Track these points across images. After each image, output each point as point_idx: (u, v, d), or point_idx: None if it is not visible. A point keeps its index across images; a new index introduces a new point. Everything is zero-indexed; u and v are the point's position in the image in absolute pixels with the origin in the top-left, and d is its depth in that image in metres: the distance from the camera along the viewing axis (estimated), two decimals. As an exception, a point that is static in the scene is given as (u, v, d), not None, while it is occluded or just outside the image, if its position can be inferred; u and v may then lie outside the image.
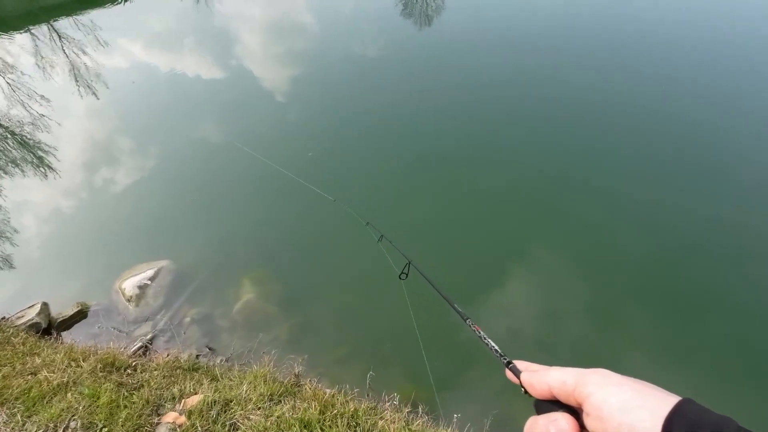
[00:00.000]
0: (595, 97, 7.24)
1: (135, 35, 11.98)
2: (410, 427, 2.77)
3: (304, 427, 2.67)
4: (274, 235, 5.02)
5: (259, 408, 2.85)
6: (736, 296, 4.19)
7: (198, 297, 4.34)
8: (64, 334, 4.02)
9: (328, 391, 3.12)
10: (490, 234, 4.98)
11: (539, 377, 0.49)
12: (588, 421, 0.43)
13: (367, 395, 3.25)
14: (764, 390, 3.54)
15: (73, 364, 3.20)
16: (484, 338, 0.78)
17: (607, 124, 6.53)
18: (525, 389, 0.52)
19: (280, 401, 2.92)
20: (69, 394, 2.92)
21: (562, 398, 0.46)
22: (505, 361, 0.60)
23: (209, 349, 3.85)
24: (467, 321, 0.93)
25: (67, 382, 3.01)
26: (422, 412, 3.09)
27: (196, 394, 3.00)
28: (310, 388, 3.06)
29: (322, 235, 4.96)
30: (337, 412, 2.79)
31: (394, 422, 2.76)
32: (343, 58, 9.64)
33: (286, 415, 2.75)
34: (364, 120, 7.19)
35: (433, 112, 7.14)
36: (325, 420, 2.73)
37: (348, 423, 2.73)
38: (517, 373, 0.55)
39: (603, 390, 0.42)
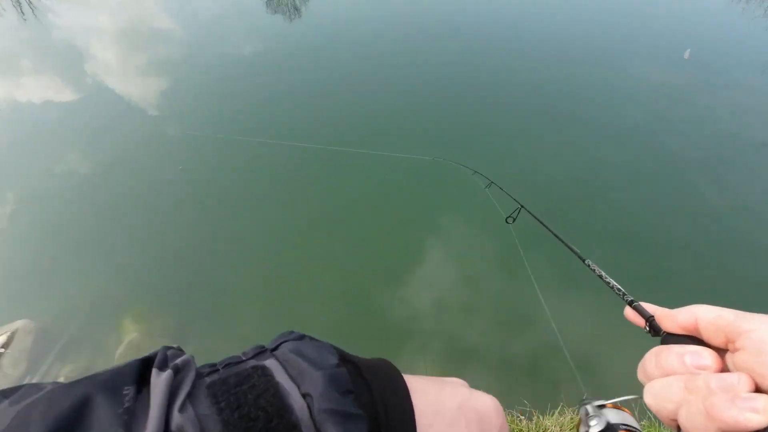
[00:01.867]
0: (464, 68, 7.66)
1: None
2: None
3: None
4: (148, 265, 4.56)
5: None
6: (606, 225, 4.75)
7: (71, 351, 3.80)
8: None
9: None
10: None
11: (687, 309, 0.45)
12: (741, 356, 0.38)
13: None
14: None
15: None
16: (605, 277, 0.76)
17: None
18: (651, 327, 0.49)
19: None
20: None
21: (707, 333, 0.42)
22: (628, 300, 0.56)
23: (91, 406, 3.38)
24: (586, 262, 0.90)
25: None
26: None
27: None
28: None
29: (206, 250, 4.64)
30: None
31: None
32: (216, 61, 9.03)
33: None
34: (247, 120, 6.82)
35: (315, 112, 7.00)
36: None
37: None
38: (644, 313, 0.52)
39: None
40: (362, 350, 0.41)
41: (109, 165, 6.21)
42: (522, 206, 1.85)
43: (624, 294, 0.64)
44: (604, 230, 4.74)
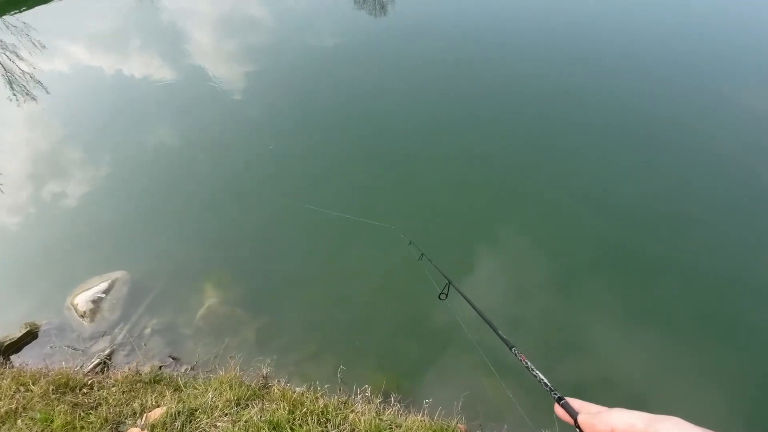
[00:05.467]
0: (552, 83, 7.41)
1: (74, 36, 11.29)
2: (381, 417, 2.77)
3: (273, 428, 2.62)
4: (234, 237, 4.87)
5: (226, 414, 2.77)
6: (684, 260, 4.42)
7: (158, 306, 4.16)
8: (13, 357, 3.77)
9: (297, 389, 3.08)
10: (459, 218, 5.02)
11: (602, 418, 0.47)
12: None
13: (339, 390, 3.23)
14: (713, 342, 3.79)
15: (21, 389, 3.01)
16: (532, 369, 0.72)
17: (560, 106, 6.71)
18: (580, 430, 0.50)
19: (248, 405, 2.85)
20: (19, 421, 2.75)
21: None
22: (556, 397, 0.56)
23: (173, 358, 3.71)
24: (512, 349, 0.86)
25: (16, 408, 2.83)
26: (394, 401, 3.10)
27: (158, 407, 2.88)
28: (278, 389, 3.01)
29: (282, 234, 4.88)
30: (307, 410, 2.75)
31: (364, 414, 2.75)
32: (301, 52, 9.44)
33: (255, 418, 2.69)
34: (328, 115, 7.06)
35: (387, 105, 7.10)
36: (294, 419, 2.69)
37: (318, 420, 2.69)
38: (572, 412, 0.53)
39: None
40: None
41: (200, 141, 6.70)
42: (450, 282, 1.72)
43: (552, 390, 0.61)
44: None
